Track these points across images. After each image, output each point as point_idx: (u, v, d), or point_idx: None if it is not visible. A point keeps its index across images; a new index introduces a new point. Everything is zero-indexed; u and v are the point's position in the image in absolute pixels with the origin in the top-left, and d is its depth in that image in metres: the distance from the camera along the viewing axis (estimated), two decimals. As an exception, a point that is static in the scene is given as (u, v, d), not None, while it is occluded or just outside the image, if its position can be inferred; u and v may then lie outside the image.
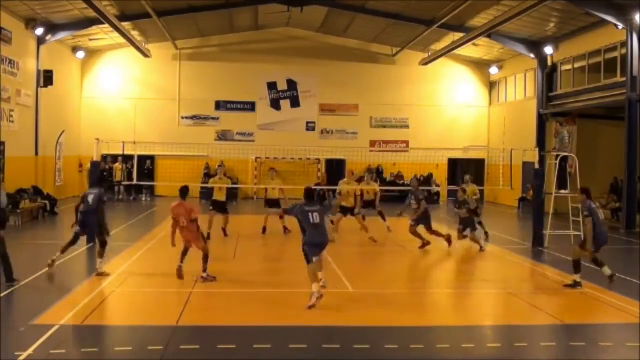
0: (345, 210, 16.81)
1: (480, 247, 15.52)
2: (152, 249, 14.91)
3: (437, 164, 28.77)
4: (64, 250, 12.01)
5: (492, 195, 30.29)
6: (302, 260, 12.93)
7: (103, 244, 11.94)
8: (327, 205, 11.00)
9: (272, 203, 17.42)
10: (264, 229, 17.56)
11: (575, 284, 11.21)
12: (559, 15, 22.85)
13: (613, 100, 21.83)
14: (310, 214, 10.05)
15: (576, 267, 11.28)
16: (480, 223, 16.76)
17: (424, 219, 15.68)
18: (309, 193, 10.51)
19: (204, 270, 11.26)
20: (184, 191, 11.58)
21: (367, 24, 28.29)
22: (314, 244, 10.16)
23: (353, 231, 18.14)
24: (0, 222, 11.92)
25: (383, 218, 18.41)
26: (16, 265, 12.30)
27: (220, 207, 16.69)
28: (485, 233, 16.64)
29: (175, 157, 28.21)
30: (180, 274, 11.15)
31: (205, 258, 11.26)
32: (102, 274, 11.65)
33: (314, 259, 10.14)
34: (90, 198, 12.11)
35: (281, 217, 17.28)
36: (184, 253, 11.29)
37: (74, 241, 12.12)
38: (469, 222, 15.74)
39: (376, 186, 18.56)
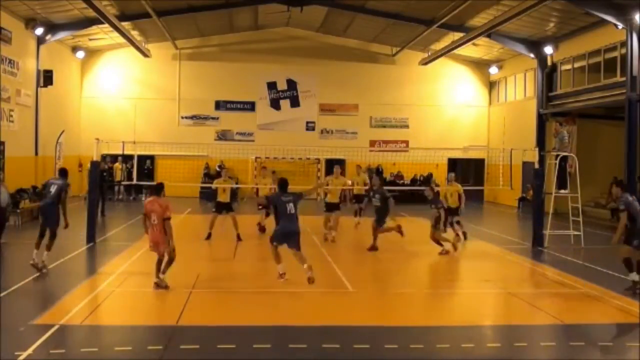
0: (332, 208, 16.83)
1: (454, 247, 14.87)
2: (152, 249, 14.89)
3: (437, 164, 28.73)
4: (37, 245, 11.58)
5: (492, 195, 30.30)
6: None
7: (53, 236, 11.75)
8: (300, 194, 11.45)
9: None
10: (264, 229, 17.60)
11: (635, 285, 10.75)
12: (559, 15, 22.85)
13: (613, 100, 21.83)
14: (287, 204, 10.95)
15: (628, 266, 10.84)
16: (458, 222, 16.43)
17: (383, 216, 15.23)
18: (282, 184, 11.29)
19: (163, 272, 10.47)
20: (158, 188, 10.99)
21: (367, 24, 28.29)
22: (284, 233, 10.97)
23: (353, 231, 18.17)
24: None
25: (360, 214, 18.78)
26: (16, 265, 12.32)
27: (227, 208, 16.76)
28: (464, 233, 16.45)
29: (175, 157, 28.19)
30: (161, 286, 10.45)
31: (170, 262, 10.49)
32: (36, 266, 11.35)
33: (274, 243, 11.10)
34: (52, 189, 11.82)
35: (267, 215, 17.23)
36: (159, 264, 10.50)
37: (41, 234, 11.74)
38: (437, 221, 14.86)
39: (366, 177, 18.94)
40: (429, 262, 14.56)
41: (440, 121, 32.01)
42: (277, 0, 25.47)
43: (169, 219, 10.50)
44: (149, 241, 10.67)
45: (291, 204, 10.90)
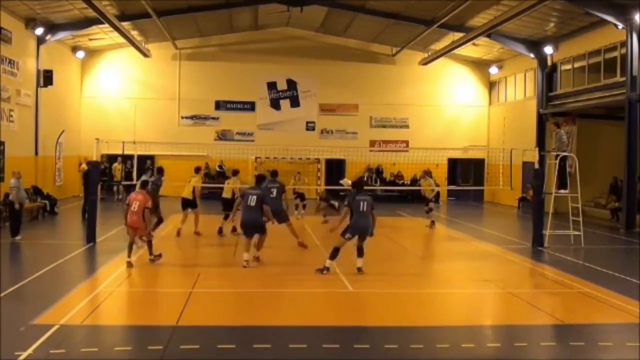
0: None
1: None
2: (152, 249, 14.87)
3: (437, 164, 28.70)
4: None
5: (492, 195, 30.30)
6: (303, 261, 12.99)
7: None
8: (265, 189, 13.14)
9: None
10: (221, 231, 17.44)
11: None
12: (559, 15, 22.85)
13: (613, 100, 21.83)
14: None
15: None
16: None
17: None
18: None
19: (151, 254, 12.65)
20: (143, 183, 13.10)
21: (367, 24, 28.28)
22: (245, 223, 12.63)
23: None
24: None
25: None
26: (16, 265, 12.31)
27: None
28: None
29: (175, 157, 28.11)
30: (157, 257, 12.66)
31: (150, 244, 12.69)
32: None
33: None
34: None
35: (226, 217, 16.92)
36: (131, 247, 12.41)
37: None
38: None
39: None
40: (429, 262, 14.57)
41: (440, 121, 32.00)
42: (277, 0, 25.48)
43: (149, 208, 12.32)
44: (127, 225, 12.27)
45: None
